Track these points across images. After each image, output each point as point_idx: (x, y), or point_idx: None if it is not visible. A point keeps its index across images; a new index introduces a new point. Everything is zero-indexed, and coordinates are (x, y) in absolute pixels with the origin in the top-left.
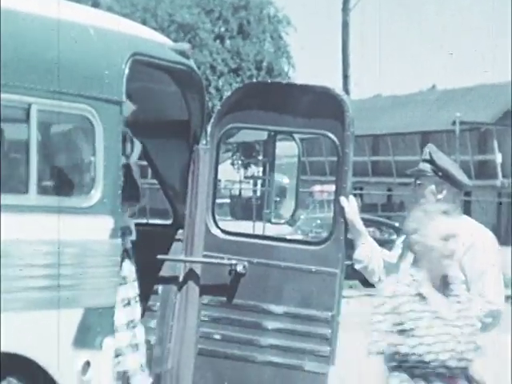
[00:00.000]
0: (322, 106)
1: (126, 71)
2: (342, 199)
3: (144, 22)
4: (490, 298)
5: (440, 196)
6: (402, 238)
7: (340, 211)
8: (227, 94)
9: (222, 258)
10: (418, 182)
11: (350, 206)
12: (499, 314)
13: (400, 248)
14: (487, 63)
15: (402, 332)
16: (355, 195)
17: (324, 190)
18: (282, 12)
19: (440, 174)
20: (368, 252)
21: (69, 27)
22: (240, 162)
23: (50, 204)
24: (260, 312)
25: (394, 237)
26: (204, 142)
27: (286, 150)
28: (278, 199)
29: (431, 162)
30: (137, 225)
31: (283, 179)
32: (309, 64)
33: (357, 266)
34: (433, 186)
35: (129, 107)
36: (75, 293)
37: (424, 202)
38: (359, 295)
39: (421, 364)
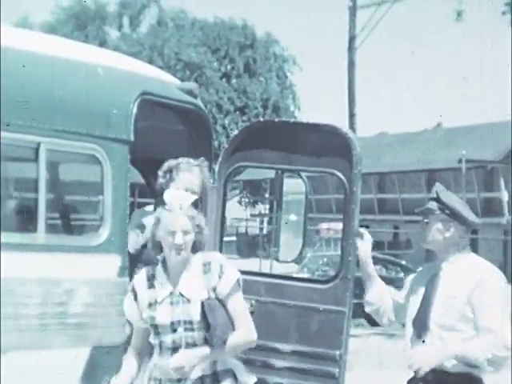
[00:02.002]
0: (329, 145)
1: (134, 110)
2: (361, 231)
3: (151, 61)
4: (499, 334)
5: (447, 234)
6: (412, 276)
7: (347, 249)
8: (234, 132)
9: None
10: (426, 220)
11: (364, 244)
12: (509, 350)
13: (409, 287)
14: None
15: None
16: None
17: (331, 228)
18: (288, 51)
19: (447, 212)
20: (379, 294)
21: (78, 67)
22: (247, 200)
23: (59, 243)
24: (267, 350)
25: (401, 275)
26: (211, 180)
27: (293, 187)
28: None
29: (438, 200)
30: None
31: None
32: (315, 102)
33: (367, 309)
34: (440, 225)
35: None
36: (83, 331)
37: (432, 241)
38: (366, 334)
39: None
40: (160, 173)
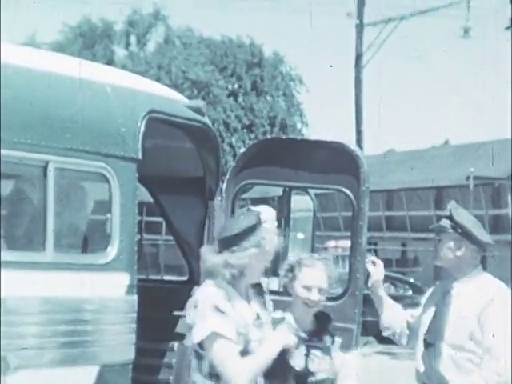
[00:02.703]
0: (336, 162)
1: (142, 129)
2: (371, 259)
3: (158, 80)
4: (502, 359)
5: (459, 253)
6: (427, 294)
7: (355, 267)
8: (241, 150)
9: None
10: (438, 238)
11: (377, 270)
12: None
13: (422, 306)
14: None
15: None
16: (369, 250)
17: (338, 245)
18: (295, 71)
19: (459, 230)
20: (393, 317)
21: (86, 85)
22: None
23: (67, 261)
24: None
25: (409, 292)
26: (219, 197)
27: (301, 204)
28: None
29: (451, 218)
30: (152, 281)
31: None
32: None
33: (385, 333)
34: (452, 243)
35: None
36: (92, 349)
37: (444, 258)
38: (374, 352)
39: None
40: (281, 272)
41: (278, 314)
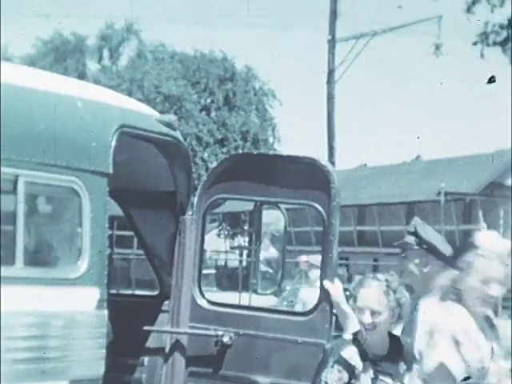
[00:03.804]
0: (307, 177)
1: (113, 143)
2: (326, 283)
3: (130, 94)
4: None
5: (425, 269)
6: None
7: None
8: (213, 164)
9: (208, 329)
10: (403, 255)
11: (335, 288)
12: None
13: None
14: (472, 134)
15: None
16: (341, 265)
17: (310, 260)
18: (268, 85)
19: (424, 246)
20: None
21: (56, 99)
22: (226, 233)
23: (37, 275)
24: (246, 383)
25: None
26: (190, 212)
27: (272, 219)
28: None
29: (416, 234)
30: (122, 296)
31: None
32: (294, 133)
33: None
34: (417, 260)
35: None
36: (61, 365)
37: (410, 275)
38: None
39: None
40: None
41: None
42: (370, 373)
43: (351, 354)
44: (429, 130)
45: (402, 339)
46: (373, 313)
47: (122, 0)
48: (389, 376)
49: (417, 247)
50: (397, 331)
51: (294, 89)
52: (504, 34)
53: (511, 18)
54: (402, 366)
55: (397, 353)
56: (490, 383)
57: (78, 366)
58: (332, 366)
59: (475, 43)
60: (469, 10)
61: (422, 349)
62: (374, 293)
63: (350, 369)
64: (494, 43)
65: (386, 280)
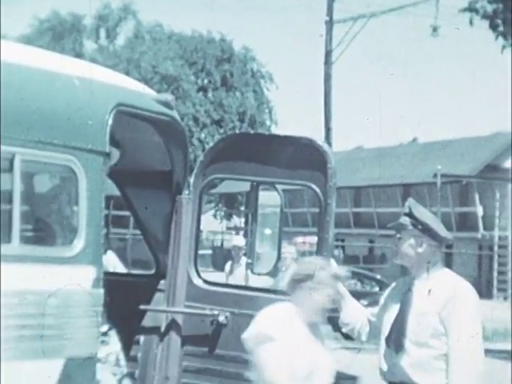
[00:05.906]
0: (304, 158)
1: (110, 122)
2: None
3: (127, 74)
4: (468, 358)
5: (420, 250)
6: (387, 292)
7: None
8: (210, 144)
9: (204, 309)
10: (398, 235)
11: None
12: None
13: (382, 303)
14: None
15: None
16: (337, 247)
17: (306, 241)
18: (265, 68)
19: (419, 227)
20: (353, 314)
21: (53, 78)
22: (222, 213)
23: (33, 254)
24: (242, 362)
25: (376, 289)
26: (187, 192)
27: (269, 200)
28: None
29: (411, 215)
30: (119, 275)
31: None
32: (291, 116)
33: (344, 329)
34: (412, 240)
35: (114, 155)
36: (57, 343)
37: (404, 256)
38: (338, 348)
39: None
40: None
41: None
42: None
43: None
44: (426, 112)
45: None
46: None
47: None
48: None
49: (411, 227)
50: (390, 313)
51: (291, 70)
52: (490, 7)
53: None
54: None
55: None
56: None
57: (74, 345)
58: None
59: (463, 10)
60: None
61: None
62: None
63: None
64: (484, 16)
65: None
